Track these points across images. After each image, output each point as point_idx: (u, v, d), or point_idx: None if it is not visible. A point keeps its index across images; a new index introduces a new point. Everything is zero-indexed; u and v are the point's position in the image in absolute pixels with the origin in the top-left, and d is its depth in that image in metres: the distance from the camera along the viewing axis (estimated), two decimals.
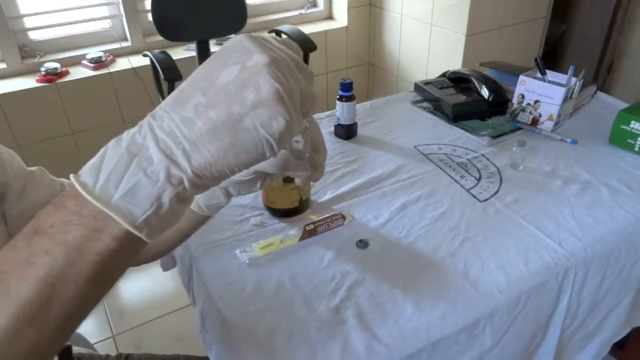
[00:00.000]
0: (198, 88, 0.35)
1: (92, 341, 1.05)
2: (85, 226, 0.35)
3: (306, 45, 2.04)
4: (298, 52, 0.38)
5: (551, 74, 1.25)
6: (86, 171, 0.36)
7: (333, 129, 1.24)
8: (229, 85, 0.34)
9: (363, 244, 0.88)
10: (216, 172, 0.35)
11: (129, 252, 0.37)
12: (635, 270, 0.94)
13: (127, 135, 0.36)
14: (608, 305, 0.95)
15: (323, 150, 0.50)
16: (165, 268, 1.11)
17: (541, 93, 1.20)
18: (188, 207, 0.38)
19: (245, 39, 0.35)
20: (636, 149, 1.12)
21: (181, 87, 0.36)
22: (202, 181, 0.36)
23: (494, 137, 1.20)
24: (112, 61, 2.15)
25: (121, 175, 0.34)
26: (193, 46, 2.13)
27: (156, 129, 0.35)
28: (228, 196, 0.57)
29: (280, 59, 0.35)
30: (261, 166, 0.49)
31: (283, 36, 2.14)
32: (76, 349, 0.88)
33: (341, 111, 1.19)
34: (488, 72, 1.40)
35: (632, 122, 1.11)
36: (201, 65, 0.36)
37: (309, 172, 0.49)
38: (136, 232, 0.35)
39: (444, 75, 1.44)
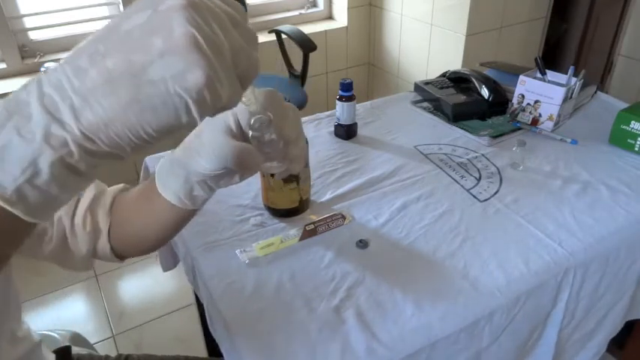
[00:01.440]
0: (100, 38, 0.29)
1: (92, 341, 1.05)
2: None
3: (306, 45, 2.04)
4: (238, 9, 0.32)
5: (551, 74, 1.25)
6: None
7: (333, 129, 1.24)
8: (134, 30, 0.28)
9: (363, 244, 0.88)
10: (115, 135, 0.29)
11: (7, 232, 0.30)
12: (633, 269, 0.94)
13: (13, 93, 0.30)
14: (606, 305, 0.95)
15: (295, 141, 0.44)
16: (166, 269, 1.11)
17: (541, 93, 1.20)
18: (87, 181, 0.32)
19: None
20: (636, 149, 1.12)
21: (86, 39, 0.30)
22: (97, 147, 0.29)
23: (494, 137, 1.20)
24: None
25: None
26: None
27: (44, 84, 0.29)
28: (211, 189, 0.52)
29: (202, 5, 0.28)
30: (217, 159, 0.43)
31: (283, 36, 2.14)
32: (75, 349, 0.87)
33: (341, 111, 1.19)
34: (488, 72, 1.40)
35: (632, 122, 1.11)
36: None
37: (285, 165, 0.44)
38: (7, 207, 0.29)
39: (444, 75, 1.44)
